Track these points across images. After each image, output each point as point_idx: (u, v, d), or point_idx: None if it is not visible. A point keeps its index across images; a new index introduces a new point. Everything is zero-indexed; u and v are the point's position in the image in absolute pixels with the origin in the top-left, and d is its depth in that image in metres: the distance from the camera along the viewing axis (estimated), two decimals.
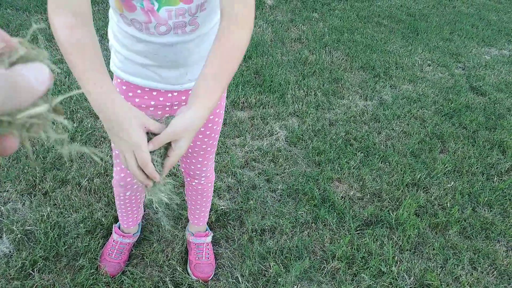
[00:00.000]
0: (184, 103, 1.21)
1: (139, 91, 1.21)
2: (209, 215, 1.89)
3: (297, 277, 1.72)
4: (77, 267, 1.62)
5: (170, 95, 1.23)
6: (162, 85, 1.19)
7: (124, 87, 1.21)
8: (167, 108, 1.27)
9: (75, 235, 1.74)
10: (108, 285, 1.57)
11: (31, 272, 1.58)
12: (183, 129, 0.82)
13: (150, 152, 0.80)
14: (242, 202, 2.04)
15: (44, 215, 1.80)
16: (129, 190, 1.48)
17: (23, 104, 0.26)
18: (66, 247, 1.69)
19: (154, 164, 0.80)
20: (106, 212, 1.87)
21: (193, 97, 0.86)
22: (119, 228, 1.72)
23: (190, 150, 1.42)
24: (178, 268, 1.70)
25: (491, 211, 2.18)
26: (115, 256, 1.66)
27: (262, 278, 1.70)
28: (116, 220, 1.80)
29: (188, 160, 1.47)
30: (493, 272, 1.86)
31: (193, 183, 1.56)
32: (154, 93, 1.21)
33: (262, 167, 2.28)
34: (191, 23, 1.03)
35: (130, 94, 1.21)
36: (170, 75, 1.16)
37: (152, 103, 1.23)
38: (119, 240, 1.69)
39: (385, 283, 1.74)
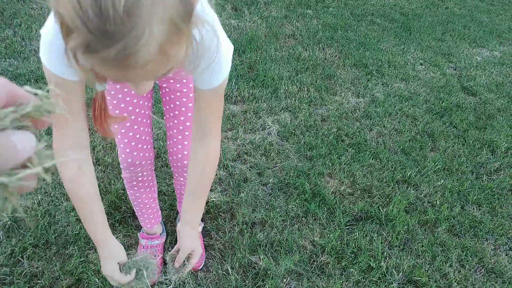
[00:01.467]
0: (164, 79, 1.28)
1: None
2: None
3: (286, 270, 1.72)
4: (67, 255, 1.61)
5: None
6: None
7: None
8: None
9: (66, 224, 1.73)
10: (97, 273, 1.56)
11: (21, 259, 1.57)
12: (191, 245, 1.16)
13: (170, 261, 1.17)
14: (233, 195, 2.04)
15: (35, 203, 1.79)
16: (138, 169, 1.44)
17: (6, 166, 0.28)
18: (56, 235, 1.67)
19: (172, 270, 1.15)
20: None
21: (186, 216, 1.18)
22: (143, 232, 1.70)
23: (170, 132, 1.42)
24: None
25: (480, 209, 2.21)
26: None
27: (251, 270, 1.70)
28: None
29: (173, 148, 1.45)
30: (480, 269, 1.88)
31: (181, 179, 1.55)
32: None
33: (254, 160, 2.29)
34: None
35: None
36: None
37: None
38: (148, 244, 1.67)
39: (373, 278, 1.75)
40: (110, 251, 1.11)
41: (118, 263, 1.11)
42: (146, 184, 1.53)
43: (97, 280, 1.54)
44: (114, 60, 0.56)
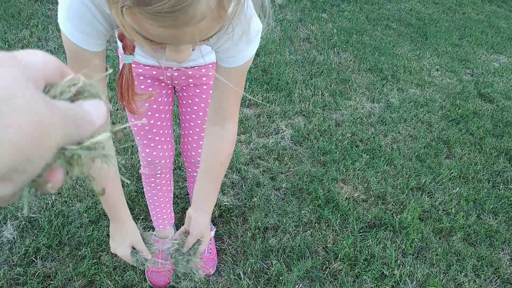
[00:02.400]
0: (184, 85, 1.28)
1: (140, 70, 1.22)
2: (213, 210, 1.89)
3: (299, 276, 1.71)
4: (80, 257, 1.62)
5: (169, 73, 1.24)
6: (155, 62, 1.20)
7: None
8: (169, 83, 1.28)
9: (79, 225, 1.74)
10: (110, 276, 1.56)
11: (34, 259, 1.58)
12: (202, 231, 1.08)
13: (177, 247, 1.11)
14: (246, 199, 2.03)
15: (48, 203, 1.80)
16: (158, 168, 1.45)
17: (83, 135, 0.28)
18: (69, 236, 1.68)
19: (181, 257, 1.10)
20: None
21: (198, 200, 1.10)
22: (155, 236, 1.71)
23: (186, 131, 1.41)
24: None
25: (496, 218, 2.17)
26: (161, 265, 1.64)
27: (264, 276, 1.69)
28: None
29: (187, 146, 1.45)
30: (496, 280, 1.85)
31: (194, 174, 1.56)
32: (154, 72, 1.22)
33: (267, 165, 2.28)
34: None
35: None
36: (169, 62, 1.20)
37: (154, 72, 1.24)
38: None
39: (387, 286, 1.73)
40: (127, 231, 1.07)
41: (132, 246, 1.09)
42: (164, 182, 1.54)
43: (109, 282, 1.54)
44: (169, 13, 0.52)
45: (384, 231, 1.98)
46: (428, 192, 2.27)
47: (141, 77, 1.23)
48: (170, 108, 1.36)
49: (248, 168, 2.23)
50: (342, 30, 4.13)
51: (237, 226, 1.89)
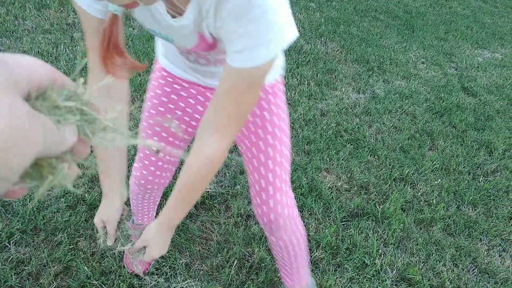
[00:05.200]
0: (202, 107, 1.19)
1: (174, 84, 1.16)
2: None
3: None
4: (55, 242, 1.58)
5: (194, 91, 1.17)
6: (195, 79, 1.12)
7: (158, 73, 1.17)
8: (193, 102, 1.19)
9: (55, 210, 1.69)
10: (87, 261, 1.53)
11: (7, 244, 1.54)
12: (147, 240, 1.00)
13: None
14: (229, 186, 2.01)
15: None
16: (148, 191, 1.34)
17: (56, 152, 0.30)
18: (45, 221, 1.64)
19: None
20: (90, 188, 1.82)
21: (163, 214, 0.99)
22: (133, 223, 1.57)
23: (251, 169, 1.19)
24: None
25: (475, 210, 2.19)
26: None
27: (246, 263, 1.68)
28: (100, 199, 1.76)
29: (257, 200, 1.18)
30: (473, 269, 1.87)
31: (273, 239, 1.25)
32: (186, 84, 1.15)
33: None
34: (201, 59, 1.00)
35: (162, 81, 1.16)
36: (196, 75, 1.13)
37: (182, 93, 1.16)
38: None
39: (368, 275, 1.73)
40: (106, 205, 1.06)
41: (108, 220, 1.06)
42: (152, 199, 1.43)
43: (86, 268, 1.51)
44: None
45: (367, 220, 1.99)
46: (410, 183, 2.28)
47: (173, 96, 1.16)
48: (186, 137, 1.27)
49: (232, 155, 2.21)
50: (329, 20, 4.11)
51: (220, 213, 1.87)
